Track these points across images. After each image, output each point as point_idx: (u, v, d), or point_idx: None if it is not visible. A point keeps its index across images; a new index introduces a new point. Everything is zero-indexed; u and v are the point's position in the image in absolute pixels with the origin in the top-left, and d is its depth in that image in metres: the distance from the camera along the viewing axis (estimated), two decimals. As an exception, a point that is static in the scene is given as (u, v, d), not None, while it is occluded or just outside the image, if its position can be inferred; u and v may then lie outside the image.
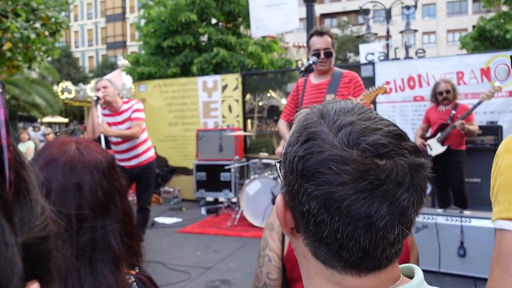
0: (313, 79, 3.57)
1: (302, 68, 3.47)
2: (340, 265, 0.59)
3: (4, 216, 0.32)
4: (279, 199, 0.64)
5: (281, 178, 0.65)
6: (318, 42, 3.40)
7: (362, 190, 0.54)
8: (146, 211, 4.81)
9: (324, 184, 0.55)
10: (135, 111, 4.49)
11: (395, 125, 0.60)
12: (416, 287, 0.62)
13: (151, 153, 4.76)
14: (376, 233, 0.56)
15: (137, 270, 0.99)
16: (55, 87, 17.33)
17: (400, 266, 0.66)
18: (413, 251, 1.51)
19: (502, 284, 0.92)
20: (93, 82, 15.25)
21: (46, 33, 7.67)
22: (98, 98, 4.28)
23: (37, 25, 7.58)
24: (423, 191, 0.58)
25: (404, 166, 0.55)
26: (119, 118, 4.52)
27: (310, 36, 3.48)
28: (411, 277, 0.65)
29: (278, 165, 0.68)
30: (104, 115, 4.47)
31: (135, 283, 0.94)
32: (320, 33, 3.40)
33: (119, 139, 4.51)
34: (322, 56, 3.38)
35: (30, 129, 17.79)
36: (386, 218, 0.55)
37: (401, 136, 0.58)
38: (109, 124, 4.47)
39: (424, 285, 0.64)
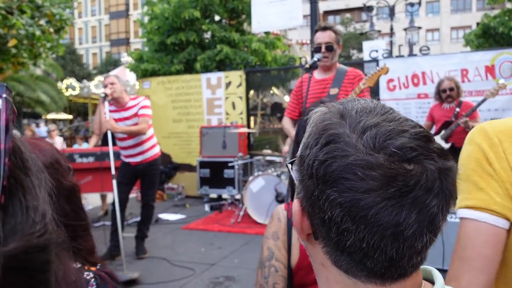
0: (317, 75, 3.57)
1: (307, 65, 3.48)
2: (363, 274, 0.56)
3: None
4: (296, 204, 0.60)
5: (297, 182, 0.61)
6: (321, 37, 3.39)
7: (390, 197, 0.51)
8: (150, 208, 4.83)
9: (349, 190, 0.52)
10: (142, 107, 4.51)
11: (420, 126, 0.56)
12: None
13: (156, 150, 4.77)
14: (403, 242, 0.53)
15: (98, 267, 1.00)
16: (59, 84, 17.42)
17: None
18: None
19: (460, 272, 0.93)
20: (97, 79, 15.30)
21: (51, 30, 7.70)
22: (106, 95, 4.30)
23: (42, 22, 7.60)
24: (452, 197, 0.54)
25: (433, 170, 0.52)
26: (125, 114, 4.54)
27: (314, 32, 3.48)
28: (430, 280, 0.63)
29: (290, 166, 0.65)
30: (111, 111, 4.48)
31: (93, 279, 0.95)
32: (323, 28, 3.40)
33: (125, 135, 4.53)
34: (323, 49, 3.37)
35: (33, 125, 17.86)
36: (414, 226, 0.52)
37: (428, 138, 0.55)
38: (116, 119, 4.49)
39: None
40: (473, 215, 0.94)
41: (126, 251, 4.25)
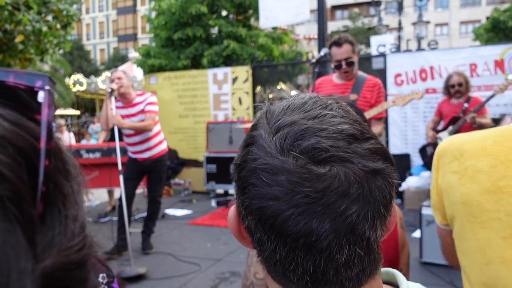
0: (336, 79, 3.57)
1: (314, 60, 3.47)
2: (294, 287, 0.51)
3: (24, 235, 0.27)
4: (232, 210, 0.56)
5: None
6: (338, 53, 3.38)
7: (296, 205, 0.46)
8: (157, 204, 4.83)
9: (256, 197, 0.48)
10: (149, 104, 4.49)
11: (354, 123, 0.50)
12: None
13: (163, 146, 4.75)
14: (319, 255, 0.47)
15: None
16: (67, 80, 17.52)
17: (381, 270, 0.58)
18: (404, 250, 1.47)
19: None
20: (104, 74, 15.36)
21: (58, 26, 7.71)
22: (112, 90, 4.30)
23: (49, 18, 7.63)
24: (381, 202, 0.48)
25: (348, 173, 0.46)
26: (132, 110, 4.53)
27: (329, 46, 3.47)
28: (394, 284, 0.59)
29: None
30: (118, 107, 4.48)
31: None
32: (338, 44, 3.37)
33: (132, 132, 4.53)
34: (344, 66, 3.39)
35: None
36: (330, 236, 0.46)
37: (354, 136, 0.48)
38: (122, 116, 4.48)
39: None
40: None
41: (133, 246, 4.27)
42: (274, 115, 0.51)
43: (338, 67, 3.41)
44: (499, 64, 5.91)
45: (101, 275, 0.97)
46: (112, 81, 4.43)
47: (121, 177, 4.22)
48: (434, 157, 1.22)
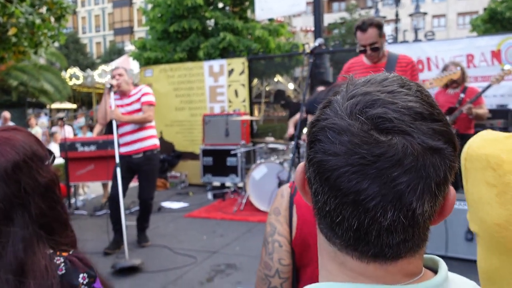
0: (366, 60, 3.52)
1: (308, 50, 3.43)
2: (338, 242, 0.55)
3: None
4: (300, 165, 0.61)
5: None
6: (363, 38, 3.32)
7: (352, 164, 0.50)
8: (147, 205, 4.68)
9: (320, 152, 0.53)
10: (144, 94, 4.44)
11: (426, 104, 0.52)
12: (438, 285, 0.56)
13: (154, 141, 4.62)
14: (364, 213, 0.51)
15: (71, 252, 0.97)
16: (63, 73, 17.40)
17: (424, 256, 0.60)
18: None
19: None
20: (100, 68, 15.26)
21: (52, 18, 7.64)
22: (112, 86, 4.25)
23: (42, 10, 7.55)
24: (433, 179, 0.50)
25: (406, 145, 0.49)
26: (127, 100, 4.50)
27: (355, 30, 3.41)
28: (435, 270, 0.60)
29: None
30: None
31: (63, 264, 0.93)
32: (363, 29, 3.31)
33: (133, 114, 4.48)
34: (369, 52, 3.33)
35: (37, 117, 17.90)
36: (377, 198, 0.50)
37: (421, 114, 0.51)
38: (117, 106, 4.45)
39: (448, 282, 0.58)
40: None
41: (128, 239, 4.25)
42: (353, 85, 0.56)
43: (363, 51, 3.36)
44: (496, 54, 5.88)
45: (81, 275, 0.95)
46: (113, 77, 4.39)
47: (118, 170, 4.18)
48: (462, 156, 1.02)
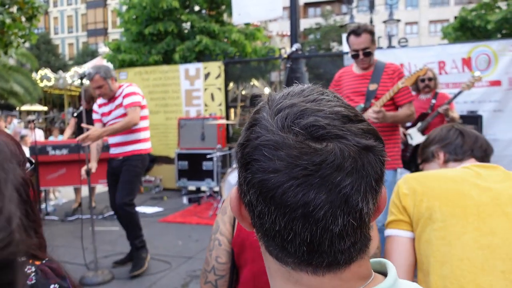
0: (355, 69, 3.53)
1: (285, 55, 3.44)
2: (290, 260, 0.54)
3: None
4: (233, 191, 0.60)
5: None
6: (356, 43, 3.33)
7: (295, 177, 0.50)
8: (125, 213, 4.15)
9: (258, 171, 0.52)
10: (125, 96, 4.06)
11: (347, 107, 0.54)
12: (390, 287, 0.57)
13: (141, 146, 4.23)
14: (316, 224, 0.51)
15: (44, 261, 0.92)
16: (34, 75, 16.97)
17: (371, 260, 0.61)
18: (373, 240, 1.49)
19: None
20: (73, 69, 14.95)
21: (23, 18, 7.44)
22: (81, 112, 4.01)
23: (13, 9, 7.35)
24: (372, 177, 0.52)
25: (343, 149, 0.50)
26: (113, 106, 4.15)
27: (348, 35, 3.41)
28: (384, 273, 0.60)
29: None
30: (100, 105, 4.21)
31: (33, 273, 0.88)
32: (357, 33, 3.32)
33: (116, 120, 4.10)
34: (361, 56, 3.34)
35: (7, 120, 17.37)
36: (325, 207, 0.50)
37: (348, 117, 0.53)
38: (105, 113, 4.17)
39: (398, 284, 0.58)
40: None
41: (100, 246, 4.15)
42: (275, 100, 0.56)
43: (355, 56, 3.37)
44: (467, 62, 6.04)
45: (52, 286, 0.91)
46: (93, 89, 4.16)
47: (83, 172, 4.07)
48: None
